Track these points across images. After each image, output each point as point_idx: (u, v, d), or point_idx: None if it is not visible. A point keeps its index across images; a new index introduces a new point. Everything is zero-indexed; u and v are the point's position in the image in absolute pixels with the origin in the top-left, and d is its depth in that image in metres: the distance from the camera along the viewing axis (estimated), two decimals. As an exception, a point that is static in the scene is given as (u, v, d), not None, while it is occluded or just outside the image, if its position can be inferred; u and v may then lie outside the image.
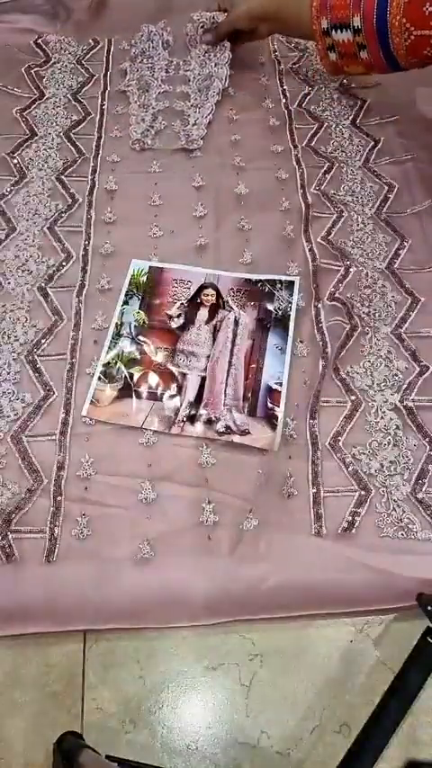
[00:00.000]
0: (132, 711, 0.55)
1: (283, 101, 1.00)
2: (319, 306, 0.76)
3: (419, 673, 0.53)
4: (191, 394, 0.69)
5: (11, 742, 0.53)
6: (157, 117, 0.97)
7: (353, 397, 0.69)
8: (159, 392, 0.69)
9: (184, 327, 0.75)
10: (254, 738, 0.54)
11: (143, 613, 0.58)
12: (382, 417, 0.68)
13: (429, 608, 0.55)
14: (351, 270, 0.79)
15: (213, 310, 0.76)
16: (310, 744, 0.53)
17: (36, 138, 0.94)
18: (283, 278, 0.78)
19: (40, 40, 1.09)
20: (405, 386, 0.70)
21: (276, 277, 0.78)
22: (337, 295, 0.77)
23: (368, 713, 0.52)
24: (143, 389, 0.70)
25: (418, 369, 0.71)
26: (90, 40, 1.10)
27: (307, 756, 0.53)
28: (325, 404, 0.69)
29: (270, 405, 0.68)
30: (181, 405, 0.68)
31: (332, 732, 0.54)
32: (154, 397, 0.69)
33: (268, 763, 0.53)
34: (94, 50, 1.09)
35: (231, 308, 0.76)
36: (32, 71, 1.03)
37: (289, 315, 0.75)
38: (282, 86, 1.03)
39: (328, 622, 0.58)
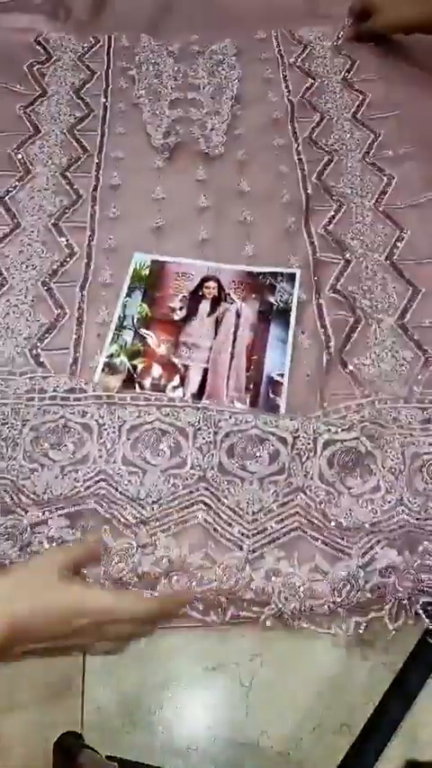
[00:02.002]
0: (132, 711, 0.55)
1: (286, 94, 1.01)
2: (321, 298, 0.76)
3: (419, 673, 0.54)
4: (193, 385, 0.70)
5: (11, 742, 0.53)
6: (173, 126, 0.96)
7: (362, 389, 0.69)
8: (162, 383, 0.70)
9: (186, 320, 0.75)
10: (254, 738, 0.54)
11: None
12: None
13: (429, 608, 0.55)
14: (351, 262, 0.80)
15: (215, 303, 0.77)
16: (310, 744, 0.53)
17: (40, 135, 0.95)
18: (285, 270, 0.79)
19: (40, 38, 1.09)
20: (412, 378, 0.70)
21: (277, 269, 0.79)
22: (338, 287, 0.77)
23: (368, 713, 0.52)
24: (146, 381, 0.70)
25: (423, 359, 0.72)
26: (90, 38, 1.10)
27: (307, 756, 0.53)
28: (333, 396, 0.69)
29: (272, 395, 0.69)
30: (184, 396, 0.69)
31: (332, 732, 0.54)
32: (157, 388, 0.70)
33: (268, 763, 0.53)
34: (95, 48, 1.09)
35: (233, 300, 0.77)
36: (34, 69, 1.04)
37: (290, 307, 0.75)
38: (285, 81, 1.03)
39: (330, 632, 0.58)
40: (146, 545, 0.59)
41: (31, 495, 0.62)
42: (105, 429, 0.66)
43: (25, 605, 0.41)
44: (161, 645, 0.57)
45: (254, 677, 0.56)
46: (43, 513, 0.60)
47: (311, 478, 0.63)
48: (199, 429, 0.66)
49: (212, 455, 0.64)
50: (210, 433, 0.65)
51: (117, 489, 0.62)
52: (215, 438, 0.65)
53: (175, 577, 0.57)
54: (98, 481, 0.63)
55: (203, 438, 0.65)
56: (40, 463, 0.64)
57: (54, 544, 0.59)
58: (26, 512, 0.60)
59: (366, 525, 0.60)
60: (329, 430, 0.65)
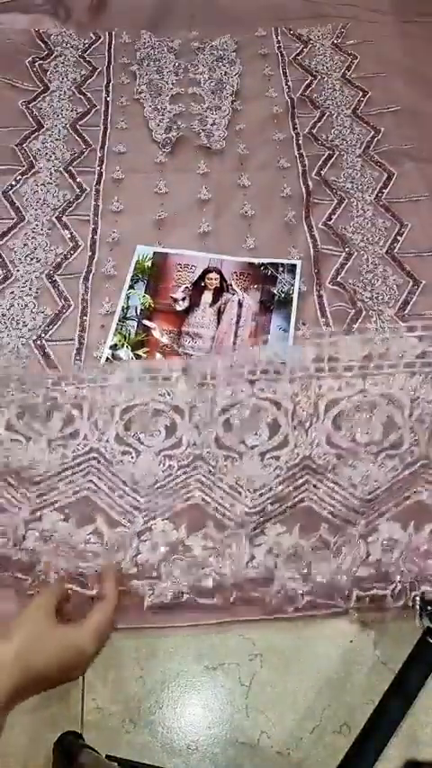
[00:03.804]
0: (132, 711, 0.55)
1: (287, 90, 1.02)
2: (322, 290, 0.77)
3: (419, 673, 0.53)
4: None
5: (11, 742, 0.53)
6: (174, 120, 0.97)
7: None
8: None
9: (189, 310, 0.76)
10: (254, 738, 0.54)
11: (143, 613, 0.58)
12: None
13: (429, 608, 0.55)
14: (352, 255, 0.81)
15: (217, 293, 0.78)
16: (310, 744, 0.53)
17: (43, 129, 0.96)
18: (285, 261, 0.80)
19: (41, 32, 1.10)
20: None
21: (278, 261, 0.80)
22: (338, 279, 0.78)
23: (368, 713, 0.52)
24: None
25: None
26: (91, 34, 1.11)
27: (307, 756, 0.53)
28: None
29: (274, 384, 0.70)
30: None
31: (332, 732, 0.54)
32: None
33: (268, 763, 0.53)
34: (96, 44, 1.10)
35: (235, 291, 0.78)
36: (36, 64, 1.05)
37: (291, 297, 0.76)
38: (285, 77, 1.04)
39: (327, 622, 0.58)
40: (142, 531, 0.59)
41: (21, 473, 0.61)
42: (98, 408, 0.66)
43: (39, 658, 0.45)
44: (161, 645, 0.57)
45: (254, 677, 0.56)
46: (35, 512, 0.60)
47: (318, 445, 0.62)
48: (194, 407, 0.65)
49: (209, 432, 0.64)
50: (206, 411, 0.65)
51: (109, 470, 0.62)
52: (212, 415, 0.65)
53: (175, 562, 0.57)
54: (89, 459, 0.63)
55: (199, 415, 0.65)
56: (26, 436, 0.63)
57: (48, 537, 0.58)
58: (19, 509, 0.60)
59: (381, 491, 0.59)
60: (333, 387, 0.64)
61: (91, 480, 0.62)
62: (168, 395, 0.66)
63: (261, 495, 0.61)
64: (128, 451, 0.64)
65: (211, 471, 0.62)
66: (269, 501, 0.60)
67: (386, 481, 0.60)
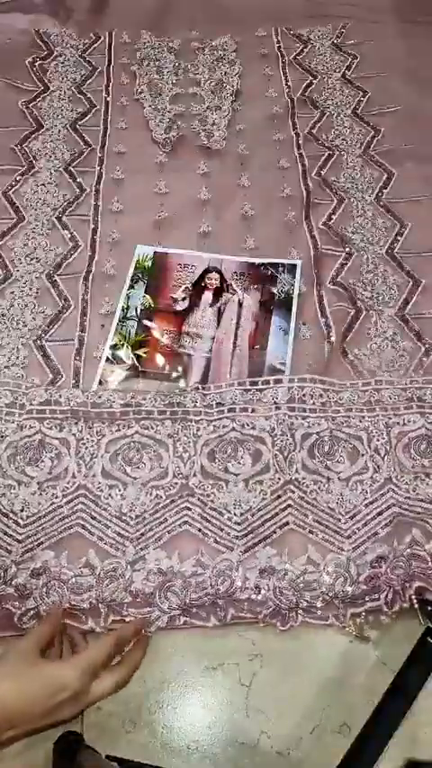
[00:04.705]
0: (132, 711, 0.55)
1: (287, 90, 1.02)
2: (322, 290, 0.77)
3: (419, 673, 0.54)
4: (197, 374, 0.71)
5: None
6: (174, 120, 0.97)
7: (362, 379, 0.70)
8: (166, 373, 0.71)
9: (189, 310, 0.76)
10: (254, 738, 0.54)
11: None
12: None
13: (429, 608, 0.56)
14: (352, 255, 0.81)
15: (217, 293, 0.78)
16: (310, 744, 0.53)
17: (42, 129, 0.95)
18: (285, 261, 0.80)
19: (42, 32, 1.10)
20: (412, 367, 0.71)
21: (278, 260, 0.80)
22: (338, 280, 0.78)
23: (368, 713, 0.53)
24: (150, 370, 0.71)
25: (423, 349, 0.73)
26: (91, 34, 1.11)
27: (307, 756, 0.53)
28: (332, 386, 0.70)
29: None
30: (187, 385, 0.70)
31: (332, 732, 0.54)
32: (161, 377, 0.71)
33: (268, 763, 0.53)
34: (96, 44, 1.10)
35: (235, 291, 0.78)
36: (36, 64, 1.05)
37: (292, 297, 0.76)
38: (285, 77, 1.04)
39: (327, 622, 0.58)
40: (135, 561, 0.59)
41: (10, 515, 0.61)
42: (84, 443, 0.65)
43: (11, 692, 0.44)
44: (161, 645, 0.57)
45: (254, 677, 0.56)
46: (27, 552, 0.59)
47: (297, 471, 0.63)
48: (178, 439, 0.66)
49: (193, 462, 0.64)
50: (189, 443, 0.65)
51: (98, 504, 0.62)
52: (195, 447, 0.65)
53: (169, 589, 0.57)
54: (78, 496, 0.62)
55: (183, 447, 0.65)
56: (17, 480, 0.63)
57: (40, 574, 0.58)
58: (9, 552, 0.59)
59: (360, 507, 0.61)
60: (303, 424, 0.66)
61: (80, 516, 0.61)
62: (152, 428, 0.66)
63: (249, 516, 0.61)
64: (115, 485, 0.63)
65: (199, 499, 0.62)
66: (261, 519, 0.61)
67: (359, 502, 0.62)
